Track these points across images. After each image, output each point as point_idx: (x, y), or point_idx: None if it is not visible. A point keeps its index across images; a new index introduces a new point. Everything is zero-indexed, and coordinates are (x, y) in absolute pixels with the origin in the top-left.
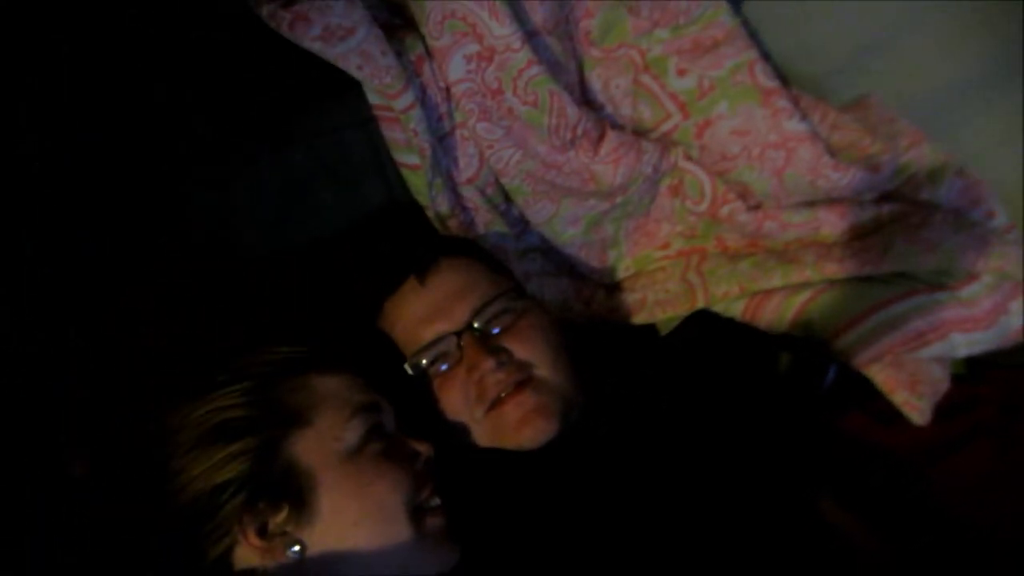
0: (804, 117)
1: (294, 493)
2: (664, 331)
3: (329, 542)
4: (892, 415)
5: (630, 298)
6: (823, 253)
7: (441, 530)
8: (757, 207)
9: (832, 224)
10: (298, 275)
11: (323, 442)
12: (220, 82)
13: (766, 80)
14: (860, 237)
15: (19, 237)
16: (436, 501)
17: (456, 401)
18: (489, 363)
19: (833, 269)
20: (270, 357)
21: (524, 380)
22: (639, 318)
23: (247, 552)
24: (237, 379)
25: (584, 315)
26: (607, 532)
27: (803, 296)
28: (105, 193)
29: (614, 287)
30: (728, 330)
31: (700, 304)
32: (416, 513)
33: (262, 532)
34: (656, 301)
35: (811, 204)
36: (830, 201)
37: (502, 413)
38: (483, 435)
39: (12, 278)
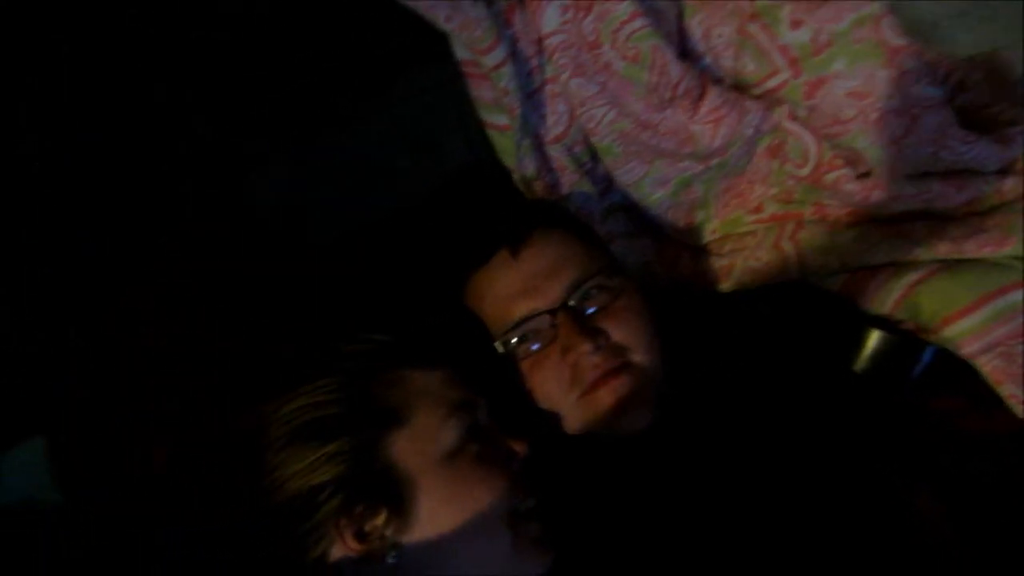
0: (932, 80)
1: (392, 497)
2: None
3: (424, 546)
4: (991, 401)
5: (717, 263)
6: (935, 229)
7: (537, 535)
8: (866, 175)
9: (948, 197)
10: (377, 250)
11: (421, 443)
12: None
13: (893, 37)
14: (978, 214)
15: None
16: (531, 503)
17: (548, 383)
18: (586, 346)
19: (946, 248)
20: (360, 348)
21: (620, 366)
22: (726, 285)
23: (343, 554)
24: (328, 372)
25: (668, 278)
26: (692, 520)
27: (910, 277)
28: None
29: (700, 250)
30: (822, 305)
31: (793, 275)
32: (513, 519)
33: (360, 535)
34: (745, 269)
35: (925, 174)
36: (947, 172)
37: (596, 398)
38: (574, 419)
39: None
